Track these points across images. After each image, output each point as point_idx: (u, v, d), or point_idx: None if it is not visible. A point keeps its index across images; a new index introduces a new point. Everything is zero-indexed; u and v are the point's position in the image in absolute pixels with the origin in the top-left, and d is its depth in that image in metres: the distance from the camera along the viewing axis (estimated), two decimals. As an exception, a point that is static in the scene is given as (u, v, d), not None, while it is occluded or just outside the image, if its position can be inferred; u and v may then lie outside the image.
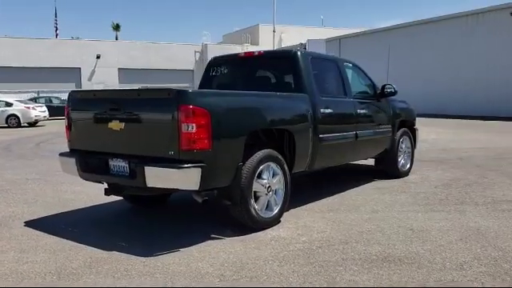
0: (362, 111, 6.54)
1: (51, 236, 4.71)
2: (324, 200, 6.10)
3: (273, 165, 4.84)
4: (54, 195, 6.67)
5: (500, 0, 22.82)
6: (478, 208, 5.55)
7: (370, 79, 7.05)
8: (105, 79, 42.81)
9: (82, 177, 4.90)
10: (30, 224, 5.17)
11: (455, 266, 3.71)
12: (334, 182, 7.29)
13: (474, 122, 20.54)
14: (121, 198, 6.05)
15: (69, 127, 5.03)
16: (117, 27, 67.58)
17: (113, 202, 6.15)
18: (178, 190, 4.34)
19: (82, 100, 5.03)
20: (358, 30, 35.56)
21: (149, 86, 40.46)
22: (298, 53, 5.64)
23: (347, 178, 7.58)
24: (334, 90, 6.16)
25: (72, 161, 4.84)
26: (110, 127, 4.53)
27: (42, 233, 4.82)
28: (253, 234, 4.64)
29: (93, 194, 6.59)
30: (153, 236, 4.72)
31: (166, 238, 4.65)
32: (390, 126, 7.25)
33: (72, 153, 4.98)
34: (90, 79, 43.44)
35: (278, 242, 4.40)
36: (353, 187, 6.89)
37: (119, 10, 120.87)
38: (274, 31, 22.50)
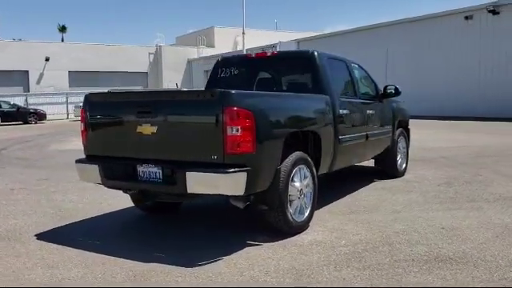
0: (370, 112, 6.57)
1: (72, 249, 4.38)
2: (338, 201, 6.06)
3: (304, 167, 4.74)
4: (52, 205, 6.23)
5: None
6: (493, 205, 5.70)
7: (373, 80, 7.10)
8: (54, 83, 41.12)
9: (105, 184, 4.59)
10: (43, 237, 4.79)
11: (509, 263, 3.75)
12: (337, 182, 7.26)
13: (448, 123, 21.03)
14: (126, 206, 5.80)
15: (85, 132, 4.70)
16: (63, 29, 65.25)
17: (119, 210, 5.88)
18: (217, 195, 4.13)
19: (103, 103, 4.70)
20: (313, 34, 36.25)
21: (105, 89, 39.26)
22: (316, 53, 5.57)
23: (347, 178, 7.60)
24: (347, 90, 6.14)
25: (94, 168, 4.52)
26: (139, 131, 4.27)
27: (61, 246, 4.47)
28: (288, 239, 4.51)
29: (93, 202, 6.27)
30: (184, 244, 4.48)
31: (198, 245, 4.43)
32: (390, 126, 7.34)
33: (92, 159, 4.66)
34: (38, 82, 41.52)
35: (320, 247, 4.29)
36: (359, 187, 6.90)
37: (64, 11, 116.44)
38: (243, 33, 22.40)
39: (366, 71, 7.01)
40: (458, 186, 6.85)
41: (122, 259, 4.04)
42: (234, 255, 4.12)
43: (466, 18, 23.02)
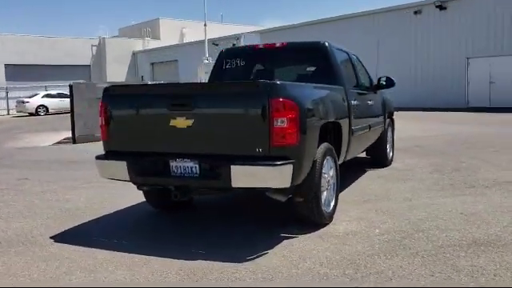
0: (370, 102, 6.69)
1: (101, 250, 4.15)
2: (346, 191, 6.13)
3: (330, 158, 4.75)
4: (49, 206, 5.86)
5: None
6: (492, 190, 5.99)
7: (367, 71, 7.23)
8: (-11, 76, 38.62)
9: (134, 181, 4.37)
10: (60, 239, 4.51)
11: (545, 244, 3.97)
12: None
13: (411, 114, 21.79)
14: (131, 203, 5.64)
15: (106, 127, 4.43)
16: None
17: (126, 208, 5.68)
18: (258, 188, 4.05)
19: (128, 96, 4.45)
20: (257, 28, 36.36)
21: (45, 83, 37.28)
22: (327, 43, 5.59)
23: (340, 167, 7.69)
24: (353, 81, 6.20)
25: (121, 164, 4.28)
26: (172, 125, 4.09)
27: (86, 248, 4.22)
28: (321, 231, 4.51)
29: (93, 201, 6.00)
30: (218, 241, 4.36)
31: (234, 241, 4.33)
32: (382, 116, 7.51)
33: (116, 155, 4.41)
34: (-30, 76, 38.79)
35: (357, 236, 4.33)
36: (357, 177, 7.03)
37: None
38: (205, 25, 21.84)
39: (361, 62, 7.12)
40: (449, 173, 7.14)
41: (162, 258, 3.88)
42: (277, 248, 4.07)
43: (415, 12, 23.99)
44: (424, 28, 23.68)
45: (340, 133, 5.11)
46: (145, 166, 4.27)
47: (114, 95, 4.43)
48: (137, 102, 4.34)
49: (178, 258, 3.86)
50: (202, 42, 38.37)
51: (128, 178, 4.31)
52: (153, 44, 47.38)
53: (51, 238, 4.56)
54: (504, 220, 4.66)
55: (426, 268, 3.54)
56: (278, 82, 3.90)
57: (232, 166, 3.84)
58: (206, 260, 3.81)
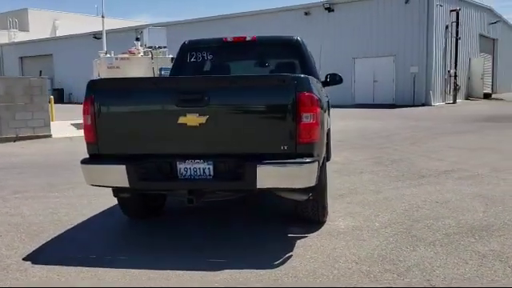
0: (327, 98, 6.78)
1: (97, 268, 3.59)
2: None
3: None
4: (6, 221, 4.94)
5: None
6: (441, 179, 6.46)
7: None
8: None
9: (136, 187, 3.82)
10: (37, 260, 3.80)
11: (530, 225, 4.38)
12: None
13: None
14: (95, 212, 5.07)
15: (94, 127, 3.83)
16: None
17: (93, 216, 5.01)
18: (281, 189, 3.83)
19: (123, 90, 3.86)
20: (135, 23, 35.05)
21: None
22: (300, 39, 5.53)
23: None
24: (317, 76, 6.21)
25: (119, 169, 3.73)
26: (181, 123, 3.67)
27: (77, 268, 3.61)
28: (324, 228, 4.44)
29: (52, 212, 5.23)
30: (227, 244, 4.05)
31: (244, 244, 4.07)
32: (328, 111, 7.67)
33: (110, 158, 3.83)
34: None
35: (365, 232, 4.33)
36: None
37: None
38: (102, 17, 19.95)
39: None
40: (391, 165, 7.56)
41: (180, 271, 3.48)
42: (297, 250, 3.90)
43: (306, 13, 25.09)
44: (314, 28, 24.88)
45: None
46: (148, 170, 3.78)
47: (105, 90, 3.84)
48: (135, 97, 3.81)
49: (197, 270, 3.50)
50: (83, 35, 36.01)
51: (126, 184, 3.77)
52: (21, 36, 42.99)
53: (25, 259, 3.83)
54: (478, 206, 5.03)
55: (455, 256, 3.66)
56: (305, 76, 3.71)
57: (258, 166, 3.57)
58: (232, 269, 3.50)
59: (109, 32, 28.59)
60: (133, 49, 16.16)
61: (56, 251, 4.05)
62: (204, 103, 3.65)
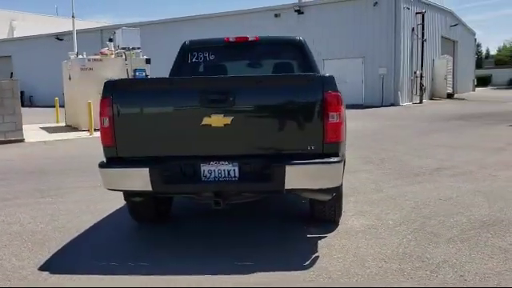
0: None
1: (143, 277, 3.46)
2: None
3: None
4: (27, 230, 4.68)
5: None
6: (436, 176, 6.62)
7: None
8: None
9: (158, 190, 3.69)
10: (56, 269, 3.62)
11: (537, 219, 4.53)
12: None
13: None
14: (97, 218, 4.94)
15: (112, 129, 3.68)
16: None
17: (97, 223, 4.84)
18: (308, 190, 3.80)
19: (145, 91, 3.73)
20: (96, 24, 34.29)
21: None
22: (302, 39, 5.52)
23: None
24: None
25: (141, 172, 3.60)
26: (206, 124, 3.59)
27: (105, 276, 3.47)
28: (339, 228, 4.45)
29: (53, 219, 5.02)
30: (247, 247, 3.98)
31: (264, 245, 4.01)
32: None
33: (131, 162, 3.70)
34: None
35: (381, 230, 4.36)
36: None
37: None
38: (73, 17, 19.12)
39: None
40: (383, 164, 7.68)
41: (215, 276, 3.39)
42: (323, 250, 3.88)
43: (276, 15, 25.20)
44: (284, 30, 24.98)
45: None
46: (171, 173, 3.67)
47: (124, 90, 3.70)
48: (156, 98, 3.69)
49: (228, 273, 3.43)
50: (44, 36, 34.83)
51: (149, 188, 3.64)
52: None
53: (41, 268, 3.64)
54: (481, 202, 5.17)
55: (478, 251, 3.73)
56: (330, 75, 3.70)
57: (287, 167, 3.53)
58: (264, 272, 3.45)
59: (65, 33, 27.88)
60: (105, 50, 15.77)
61: (72, 259, 3.87)
62: (229, 103, 3.58)
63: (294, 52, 5.47)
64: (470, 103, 25.02)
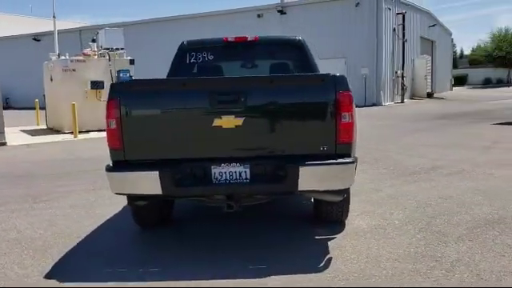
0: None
1: (156, 282, 3.37)
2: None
3: None
4: (25, 236, 4.51)
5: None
6: (432, 175, 6.67)
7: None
8: None
9: (169, 194, 3.61)
10: (60, 276, 3.50)
11: (539, 216, 4.60)
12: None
13: None
14: (97, 223, 4.81)
15: (120, 131, 3.58)
16: None
17: (98, 228, 4.71)
18: (322, 191, 3.76)
19: (153, 92, 3.63)
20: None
21: None
22: (301, 39, 5.50)
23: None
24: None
25: (151, 175, 3.50)
26: (216, 125, 3.52)
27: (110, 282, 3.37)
28: (347, 228, 4.43)
29: (51, 225, 4.87)
30: (257, 250, 3.92)
31: (277, 248, 3.96)
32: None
33: (141, 165, 3.60)
34: None
35: (389, 230, 4.36)
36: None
37: None
38: (54, 17, 18.44)
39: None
40: (378, 163, 7.70)
41: (216, 281, 3.33)
42: (335, 251, 3.85)
43: (259, 15, 25.19)
44: (266, 31, 24.98)
45: None
46: (182, 176, 3.59)
47: (132, 92, 3.59)
48: (166, 99, 3.60)
49: (245, 277, 3.37)
50: (20, 36, 34.04)
51: (159, 192, 3.55)
52: None
53: (47, 277, 3.52)
54: (481, 201, 5.21)
55: (488, 250, 3.75)
56: (343, 75, 3.67)
57: (301, 168, 3.49)
58: (279, 275, 3.39)
59: (50, 34, 27.32)
60: (87, 50, 15.48)
61: (78, 266, 3.75)
62: (241, 104, 3.52)
63: (294, 52, 5.43)
64: (450, 102, 25.45)
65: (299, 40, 5.43)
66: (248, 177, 3.62)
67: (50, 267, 3.70)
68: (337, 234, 4.28)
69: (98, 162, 8.78)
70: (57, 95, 14.63)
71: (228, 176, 3.62)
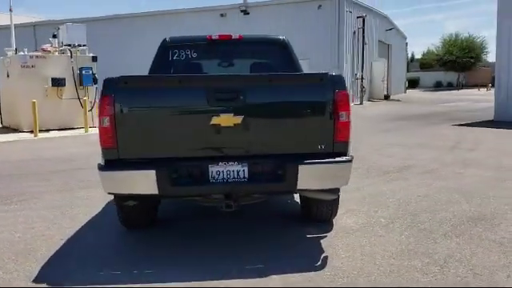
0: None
1: (151, 284, 3.27)
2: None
3: None
4: (3, 239, 4.23)
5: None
6: (403, 175, 6.86)
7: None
8: None
9: (165, 193, 3.50)
10: (50, 282, 3.34)
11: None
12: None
13: None
14: (76, 225, 4.59)
15: (113, 129, 3.45)
16: None
17: (76, 232, 4.54)
18: (318, 190, 3.78)
19: (149, 89, 3.52)
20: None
21: None
22: (285, 39, 5.51)
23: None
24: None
25: (148, 174, 3.40)
26: (215, 123, 3.47)
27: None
28: (336, 227, 4.47)
29: (29, 228, 4.63)
30: (249, 250, 3.89)
31: (270, 247, 3.94)
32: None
33: (136, 164, 3.48)
34: None
35: (377, 228, 4.43)
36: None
37: None
38: (10, 10, 17.13)
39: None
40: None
41: (214, 282, 3.29)
42: (329, 250, 3.87)
43: (222, 15, 25.09)
44: (230, 30, 24.92)
45: None
46: (179, 175, 3.50)
47: (128, 89, 3.47)
48: (162, 96, 3.50)
49: (243, 277, 3.34)
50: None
51: (155, 191, 3.45)
52: None
53: (36, 282, 3.35)
54: (458, 199, 5.40)
55: (476, 245, 3.88)
56: (339, 75, 3.70)
57: (300, 166, 3.49)
58: (279, 274, 3.38)
59: (2, 28, 26.10)
60: (47, 46, 14.89)
61: (68, 269, 3.58)
62: (239, 102, 3.48)
63: (279, 51, 5.43)
64: (407, 104, 26.26)
65: (283, 39, 5.44)
66: (246, 176, 3.59)
67: (37, 271, 3.53)
68: (327, 232, 4.31)
69: (64, 162, 8.53)
70: (14, 92, 13.98)
71: (225, 175, 3.57)
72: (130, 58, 24.43)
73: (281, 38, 5.47)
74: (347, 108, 3.64)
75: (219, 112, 3.47)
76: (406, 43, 47.55)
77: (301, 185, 3.54)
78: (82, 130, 13.57)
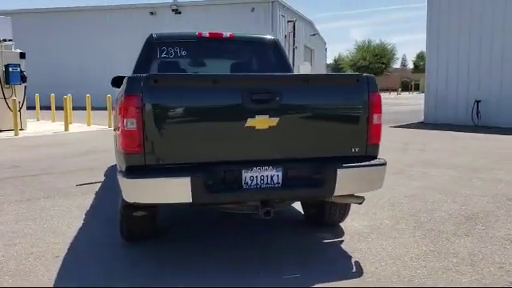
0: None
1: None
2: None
3: None
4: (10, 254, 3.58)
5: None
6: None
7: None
8: None
9: (202, 201, 3.18)
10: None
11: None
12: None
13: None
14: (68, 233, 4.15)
15: (141, 132, 3.09)
16: None
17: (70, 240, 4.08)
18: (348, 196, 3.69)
19: (179, 89, 3.17)
20: None
21: None
22: (276, 38, 5.41)
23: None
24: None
25: (182, 181, 3.08)
26: (250, 126, 3.24)
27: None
28: (346, 230, 4.42)
29: (23, 240, 4.11)
30: (278, 259, 3.71)
31: (296, 255, 3.78)
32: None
33: (166, 170, 3.14)
34: None
35: (386, 229, 4.45)
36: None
37: None
38: None
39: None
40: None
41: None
42: (355, 254, 3.80)
43: (152, 13, 24.26)
44: (161, 29, 24.21)
45: None
46: (215, 182, 3.23)
47: (158, 88, 3.11)
48: (194, 97, 3.19)
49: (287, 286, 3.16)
50: None
51: (189, 199, 3.14)
52: None
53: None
54: (444, 198, 5.58)
55: (490, 244, 4.00)
56: (373, 76, 3.62)
57: (338, 170, 3.37)
58: (323, 283, 3.25)
59: None
60: (-35, 40, 13.43)
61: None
62: (275, 103, 3.29)
63: (271, 51, 5.32)
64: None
65: (274, 39, 5.32)
66: (279, 181, 3.39)
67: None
68: (340, 237, 4.24)
69: (8, 169, 7.67)
70: None
71: (259, 180, 3.35)
72: (66, 54, 22.99)
73: (271, 37, 5.35)
74: (380, 110, 3.59)
75: (255, 113, 3.25)
76: (326, 48, 49.45)
77: (339, 189, 3.42)
78: (11, 133, 12.40)
